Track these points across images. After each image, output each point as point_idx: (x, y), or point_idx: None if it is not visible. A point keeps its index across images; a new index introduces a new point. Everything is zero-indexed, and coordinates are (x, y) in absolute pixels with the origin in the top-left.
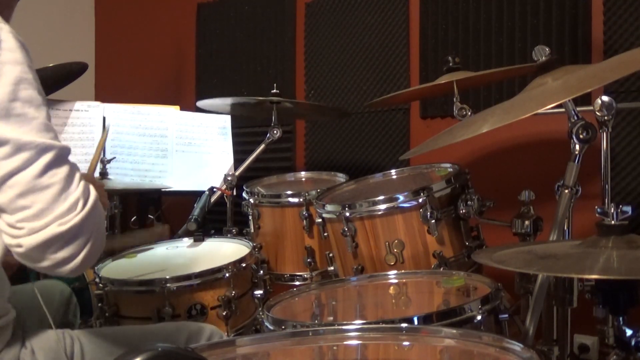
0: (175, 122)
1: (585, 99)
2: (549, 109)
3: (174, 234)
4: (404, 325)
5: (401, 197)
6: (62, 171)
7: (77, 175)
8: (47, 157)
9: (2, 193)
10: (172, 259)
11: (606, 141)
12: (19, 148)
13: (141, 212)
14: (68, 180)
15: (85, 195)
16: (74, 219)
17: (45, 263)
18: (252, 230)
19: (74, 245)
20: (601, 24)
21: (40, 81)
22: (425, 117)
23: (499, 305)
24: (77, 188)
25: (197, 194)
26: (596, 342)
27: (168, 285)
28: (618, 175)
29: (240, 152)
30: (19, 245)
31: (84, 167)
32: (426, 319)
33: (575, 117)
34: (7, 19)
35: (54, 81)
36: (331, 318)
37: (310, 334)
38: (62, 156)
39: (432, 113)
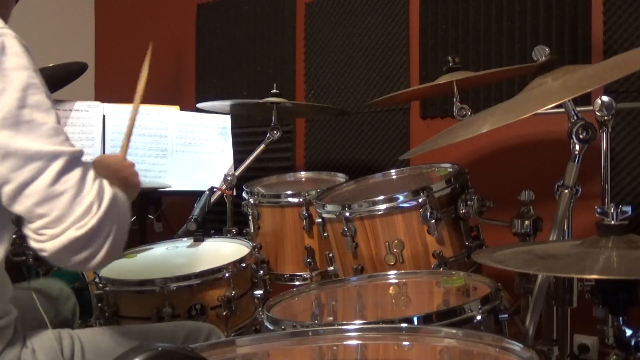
0: (175, 122)
1: (585, 99)
2: (549, 109)
3: (174, 234)
4: (403, 325)
5: (401, 197)
6: (74, 176)
7: (90, 176)
8: (57, 165)
9: (20, 203)
10: (172, 259)
11: (606, 141)
12: (29, 158)
13: (141, 212)
14: (80, 183)
15: (100, 196)
16: (91, 221)
17: (72, 262)
18: (252, 230)
19: (95, 245)
20: (601, 24)
21: None
22: (425, 117)
23: (498, 305)
24: (90, 190)
25: (197, 194)
26: (596, 342)
27: (168, 285)
28: (618, 175)
29: (240, 152)
30: (43, 250)
31: None
32: (426, 319)
33: (575, 117)
34: (5, 19)
35: (54, 81)
36: (331, 318)
37: (310, 334)
38: (72, 160)
39: (432, 113)
